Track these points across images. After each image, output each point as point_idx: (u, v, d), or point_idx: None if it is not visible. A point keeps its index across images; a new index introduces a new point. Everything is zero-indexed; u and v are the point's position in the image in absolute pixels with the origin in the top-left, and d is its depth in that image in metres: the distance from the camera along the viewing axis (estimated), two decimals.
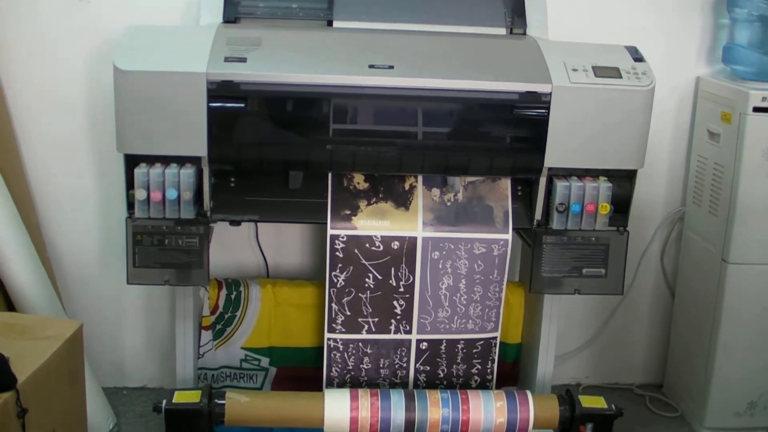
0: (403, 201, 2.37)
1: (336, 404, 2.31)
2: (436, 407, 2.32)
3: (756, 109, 2.58)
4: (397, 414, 2.31)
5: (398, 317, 2.41)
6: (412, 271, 2.37)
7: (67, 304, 2.81)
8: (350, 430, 2.31)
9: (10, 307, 2.54)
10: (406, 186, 2.38)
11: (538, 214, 2.35)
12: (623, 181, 2.34)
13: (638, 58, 2.33)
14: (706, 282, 2.80)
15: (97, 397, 2.68)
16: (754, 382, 2.82)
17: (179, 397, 2.29)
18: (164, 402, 2.27)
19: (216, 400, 2.28)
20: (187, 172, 2.20)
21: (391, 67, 2.21)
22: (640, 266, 3.03)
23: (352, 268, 2.36)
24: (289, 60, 2.23)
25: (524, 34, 2.48)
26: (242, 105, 2.19)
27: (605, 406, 2.37)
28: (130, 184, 2.21)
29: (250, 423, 2.32)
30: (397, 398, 2.33)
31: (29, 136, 2.71)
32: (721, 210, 2.72)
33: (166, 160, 2.22)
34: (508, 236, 2.37)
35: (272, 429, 2.36)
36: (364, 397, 2.32)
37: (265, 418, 2.32)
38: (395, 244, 2.35)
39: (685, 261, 2.99)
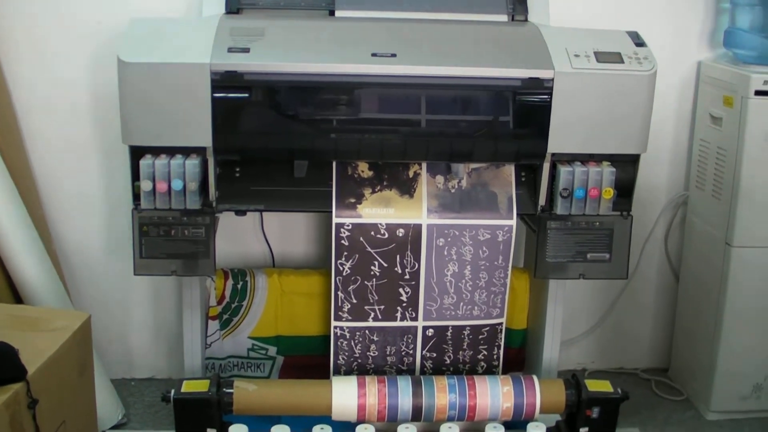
0: (407, 188, 2.38)
1: (343, 391, 2.32)
2: (443, 393, 2.33)
3: (758, 93, 2.58)
4: (405, 400, 2.32)
5: (404, 304, 2.42)
6: (418, 259, 2.38)
7: (75, 296, 2.82)
8: (358, 416, 2.32)
9: (18, 300, 2.55)
10: (411, 174, 2.39)
11: (542, 200, 2.36)
12: (626, 165, 2.35)
13: (640, 43, 2.34)
14: (710, 266, 2.81)
15: (106, 389, 2.69)
16: (759, 365, 2.82)
17: (188, 387, 2.30)
18: (173, 392, 2.28)
19: (224, 389, 2.30)
20: (192, 163, 2.20)
21: (394, 55, 2.21)
22: (644, 251, 3.03)
23: (357, 256, 2.37)
24: (292, 50, 2.24)
25: (526, 20, 2.49)
26: (246, 95, 2.20)
27: (611, 390, 2.38)
28: (135, 176, 2.22)
29: (259, 411, 2.34)
30: (404, 384, 2.34)
31: (35, 131, 2.71)
32: (724, 194, 2.72)
33: (171, 151, 2.23)
34: (513, 222, 2.38)
35: (280, 417, 2.37)
36: (372, 383, 2.34)
37: (273, 407, 2.34)
38: (400, 232, 2.36)
39: (688, 245, 3.00)
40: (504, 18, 2.48)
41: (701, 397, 2.92)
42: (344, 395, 2.32)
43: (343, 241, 2.35)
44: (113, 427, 2.68)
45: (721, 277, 2.75)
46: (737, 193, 2.66)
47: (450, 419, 2.35)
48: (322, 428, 2.27)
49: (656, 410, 2.93)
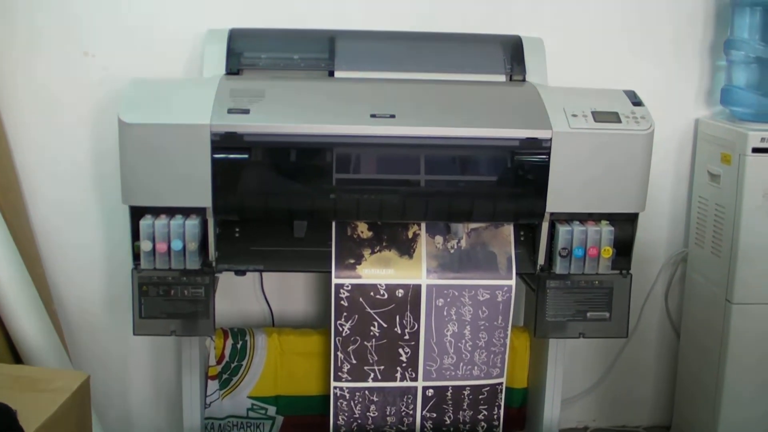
0: (406, 249, 2.38)
1: None
2: None
3: (755, 150, 2.59)
4: None
5: (404, 365, 2.42)
6: (417, 319, 2.38)
7: (74, 355, 2.82)
8: None
9: (17, 359, 2.55)
10: (410, 234, 2.39)
11: (541, 259, 2.36)
12: (625, 224, 2.35)
13: (637, 102, 2.36)
14: (711, 322, 2.80)
15: None
16: (761, 423, 2.80)
17: None
18: None
19: None
20: (192, 223, 2.21)
21: (393, 116, 2.23)
22: (644, 308, 3.03)
23: (357, 316, 2.36)
24: (292, 110, 2.25)
25: (524, 80, 2.51)
26: (246, 156, 2.21)
27: None
28: (135, 236, 2.22)
29: None
30: None
31: (35, 189, 2.72)
32: (723, 251, 2.72)
33: (171, 212, 2.24)
34: (512, 282, 2.38)
35: None
36: None
37: None
38: (400, 292, 2.36)
39: (689, 302, 2.99)
40: (502, 78, 2.50)
41: None
42: None
43: (342, 302, 2.35)
44: None
45: (722, 334, 2.74)
46: (737, 250, 2.66)
47: None
48: None
49: None
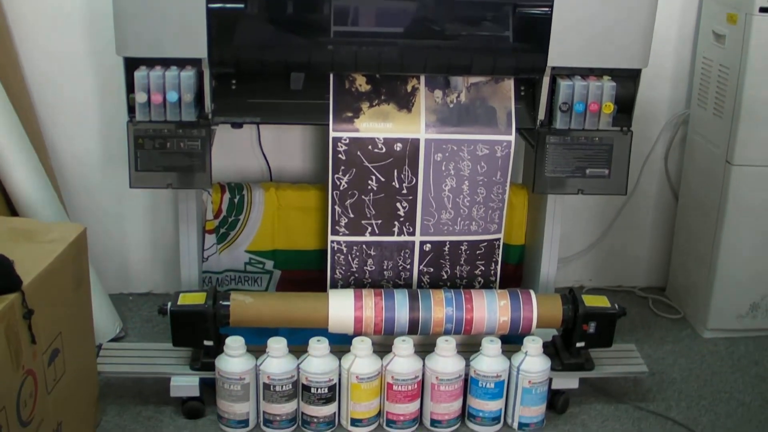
0: (405, 103, 2.35)
1: (340, 304, 2.33)
2: (440, 306, 2.34)
3: (762, 10, 2.54)
4: (401, 313, 2.32)
5: (401, 219, 2.41)
6: (415, 173, 2.37)
7: (71, 210, 2.81)
8: (355, 329, 2.33)
9: (14, 214, 2.54)
10: (409, 88, 2.36)
11: (541, 114, 2.34)
12: (627, 80, 2.33)
13: None
14: (710, 184, 2.80)
15: (103, 303, 2.70)
16: (756, 284, 2.83)
17: (184, 299, 2.30)
18: (169, 304, 2.28)
19: (221, 302, 2.30)
20: (188, 74, 2.18)
21: None
22: (643, 169, 3.02)
23: (354, 170, 2.35)
24: None
25: None
26: (242, 5, 2.17)
27: (608, 305, 2.38)
28: (130, 88, 2.20)
29: (255, 324, 2.34)
30: (401, 298, 2.34)
31: (28, 44, 2.68)
32: (726, 112, 2.70)
33: (166, 63, 2.20)
34: (512, 138, 2.36)
35: (277, 330, 2.38)
36: (368, 297, 2.34)
37: (269, 319, 2.34)
38: (398, 146, 2.34)
39: (689, 163, 2.98)
40: None
41: (698, 315, 2.93)
42: (341, 308, 2.32)
43: (340, 156, 2.33)
44: (111, 340, 2.69)
45: (720, 196, 2.74)
46: (739, 111, 2.64)
47: (447, 332, 2.35)
48: (318, 340, 2.27)
49: (653, 328, 2.95)
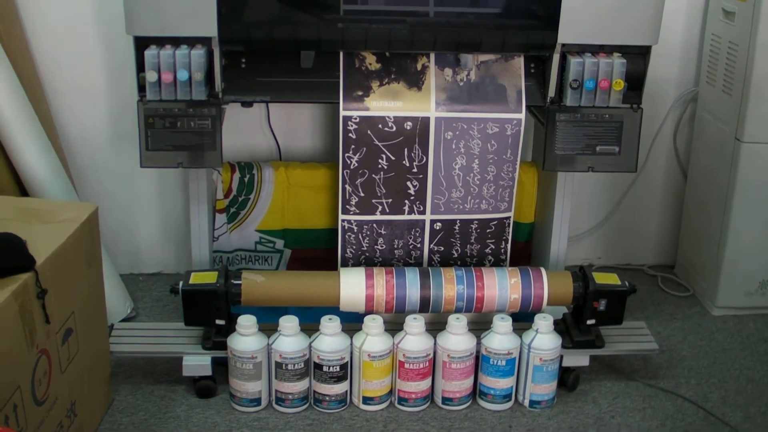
0: (415, 81, 2.35)
1: (351, 282, 2.33)
2: (450, 284, 2.34)
3: None
4: (412, 291, 2.33)
5: (412, 198, 2.41)
6: (426, 152, 2.37)
7: (81, 191, 2.81)
8: (366, 307, 2.33)
9: (24, 195, 2.55)
10: (419, 66, 2.36)
11: (551, 92, 2.33)
12: (637, 57, 2.32)
13: None
14: (719, 162, 2.79)
15: (114, 282, 2.71)
16: (766, 261, 2.83)
17: (196, 279, 2.31)
18: (181, 283, 2.29)
19: (232, 281, 2.30)
20: (198, 53, 2.18)
21: None
22: (652, 146, 3.02)
23: (365, 149, 2.35)
24: None
25: None
26: None
27: (619, 282, 2.38)
28: (140, 67, 2.20)
29: (267, 303, 2.34)
30: (412, 276, 2.35)
31: (35, 22, 2.68)
32: (735, 89, 2.69)
33: (176, 42, 2.20)
34: (522, 116, 2.36)
35: (288, 308, 2.38)
36: (380, 275, 2.34)
37: (281, 298, 2.35)
38: (408, 125, 2.34)
39: (698, 141, 2.98)
40: None
41: (707, 293, 2.93)
42: (352, 286, 2.33)
43: (350, 134, 2.33)
44: (122, 320, 2.70)
45: (729, 173, 2.74)
46: (748, 88, 2.63)
47: (458, 310, 2.36)
48: (330, 319, 2.28)
49: (662, 306, 2.95)
